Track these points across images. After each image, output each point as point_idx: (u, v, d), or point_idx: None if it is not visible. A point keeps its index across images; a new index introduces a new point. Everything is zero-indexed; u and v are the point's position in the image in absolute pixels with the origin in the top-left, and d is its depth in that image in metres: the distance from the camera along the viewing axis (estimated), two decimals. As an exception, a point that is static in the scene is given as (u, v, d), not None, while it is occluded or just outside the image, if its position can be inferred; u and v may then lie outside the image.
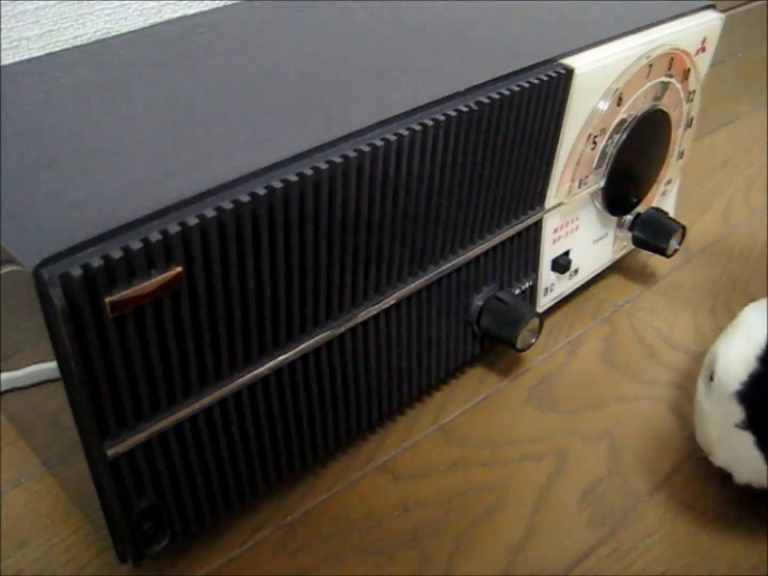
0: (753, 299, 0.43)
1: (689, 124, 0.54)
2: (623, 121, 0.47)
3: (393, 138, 0.35)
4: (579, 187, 0.48)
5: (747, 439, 0.37)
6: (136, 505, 0.34)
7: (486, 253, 0.45)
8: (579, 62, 0.42)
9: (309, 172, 0.32)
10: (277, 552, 0.39)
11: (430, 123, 0.36)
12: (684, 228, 0.54)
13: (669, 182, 0.56)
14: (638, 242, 0.55)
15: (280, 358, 0.36)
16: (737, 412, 0.37)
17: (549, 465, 0.44)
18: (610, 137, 0.47)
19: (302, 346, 0.37)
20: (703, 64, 0.51)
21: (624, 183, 0.50)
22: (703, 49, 0.50)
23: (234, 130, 0.35)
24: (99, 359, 0.29)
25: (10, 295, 0.32)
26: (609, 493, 0.42)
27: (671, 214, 0.57)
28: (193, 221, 0.30)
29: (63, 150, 0.34)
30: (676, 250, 0.54)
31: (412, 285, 0.41)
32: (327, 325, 0.38)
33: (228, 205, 0.30)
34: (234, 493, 0.38)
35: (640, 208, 0.54)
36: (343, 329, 0.38)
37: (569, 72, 0.42)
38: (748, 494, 0.40)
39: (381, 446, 0.45)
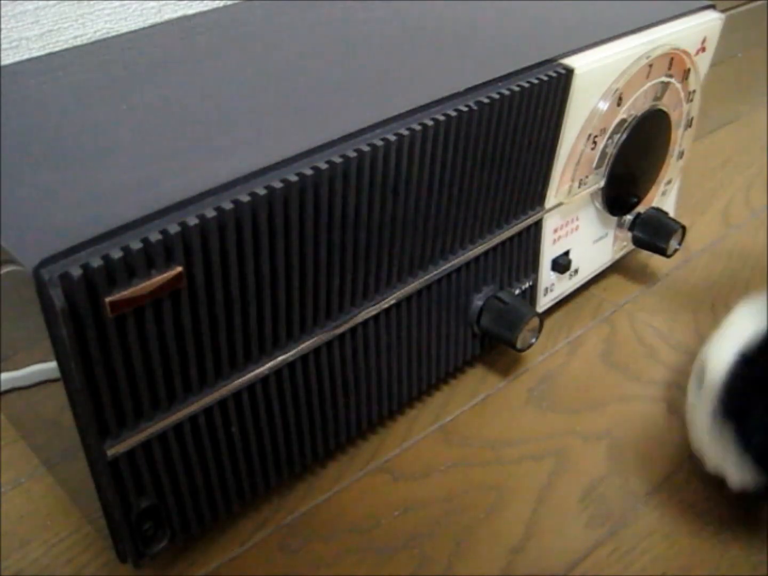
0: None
1: (689, 124, 0.54)
2: (623, 121, 0.47)
3: (393, 138, 0.35)
4: (579, 187, 0.48)
5: (728, 432, 0.37)
6: (136, 505, 0.34)
7: (486, 253, 0.45)
8: (579, 62, 0.42)
9: (309, 172, 0.32)
10: (277, 552, 0.39)
11: (430, 123, 0.36)
12: (684, 228, 0.54)
13: (669, 182, 0.56)
14: (638, 242, 0.55)
15: (280, 358, 0.36)
16: (718, 404, 0.37)
17: (549, 465, 0.44)
18: (610, 137, 0.47)
19: (302, 346, 0.37)
20: (703, 64, 0.51)
21: (624, 183, 0.50)
22: (703, 49, 0.50)
23: (234, 130, 0.35)
24: (99, 359, 0.29)
25: (10, 295, 0.32)
26: (609, 493, 0.42)
27: (671, 214, 0.57)
28: (193, 221, 0.30)
29: (63, 150, 0.34)
30: (676, 250, 0.54)
31: (412, 285, 0.41)
32: (327, 325, 0.38)
33: (228, 205, 0.30)
34: (234, 493, 0.38)
35: (640, 208, 0.54)
36: (343, 329, 0.38)
37: (569, 72, 0.42)
38: (747, 495, 0.40)
39: (381, 446, 0.45)
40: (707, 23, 0.49)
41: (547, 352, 0.51)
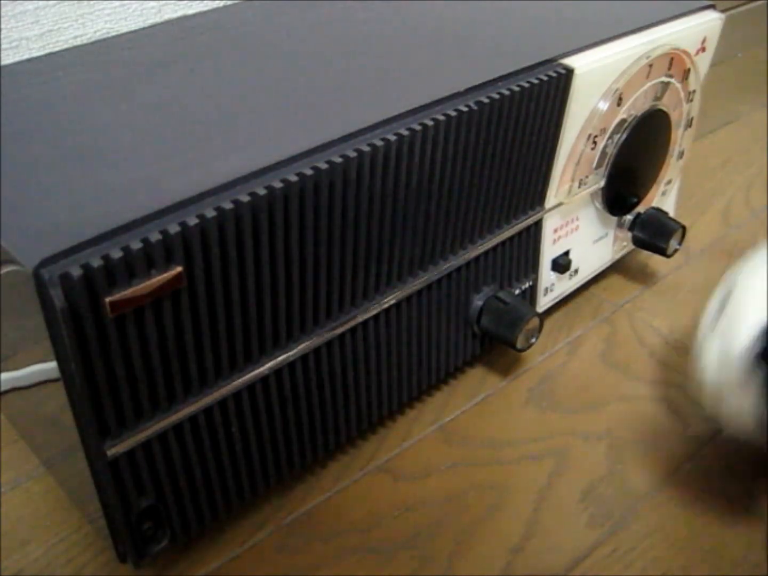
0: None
1: (689, 124, 0.54)
2: (623, 121, 0.47)
3: (393, 138, 0.35)
4: (579, 187, 0.48)
5: (757, 374, 0.34)
6: (136, 505, 0.34)
7: (486, 253, 0.45)
8: (579, 62, 0.42)
9: (309, 172, 0.32)
10: (277, 552, 0.39)
11: (430, 123, 0.36)
12: (684, 228, 0.54)
13: (669, 182, 0.56)
14: (638, 242, 0.55)
15: (280, 358, 0.36)
16: (756, 345, 0.34)
17: (549, 465, 0.44)
18: (610, 137, 0.47)
19: (302, 346, 0.37)
20: (703, 64, 0.51)
21: (624, 183, 0.50)
22: (703, 49, 0.50)
23: (234, 130, 0.35)
24: (99, 359, 0.29)
25: (10, 295, 0.32)
26: (609, 493, 0.42)
27: (671, 214, 0.57)
28: (193, 221, 0.30)
29: (63, 150, 0.34)
30: (676, 250, 0.54)
31: (412, 285, 0.41)
32: (327, 325, 0.38)
33: (228, 205, 0.30)
34: (234, 493, 0.38)
35: (640, 208, 0.54)
36: (343, 329, 0.38)
37: (569, 72, 0.42)
38: (748, 494, 0.40)
39: (381, 446, 0.45)
40: (707, 23, 0.49)
41: (547, 352, 0.51)
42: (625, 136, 0.47)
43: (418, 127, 0.36)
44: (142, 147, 0.34)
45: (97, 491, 0.33)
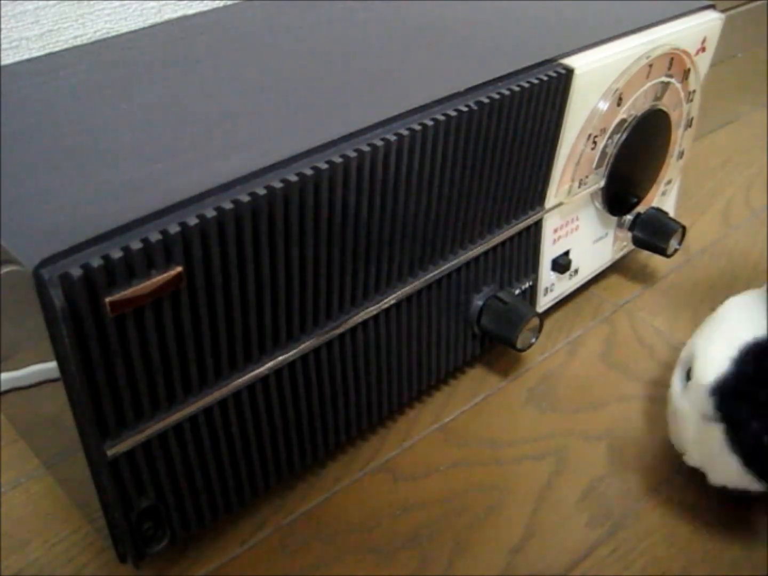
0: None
1: (689, 124, 0.54)
2: (623, 121, 0.47)
3: (393, 138, 0.35)
4: (579, 187, 0.48)
5: (718, 433, 0.37)
6: (136, 505, 0.34)
7: (486, 253, 0.45)
8: (579, 62, 0.42)
9: (309, 172, 0.32)
10: (277, 552, 0.39)
11: (430, 123, 0.36)
12: (684, 228, 0.54)
13: (669, 182, 0.56)
14: (638, 242, 0.55)
15: (280, 358, 0.36)
16: (709, 405, 0.37)
17: (549, 465, 0.44)
18: (610, 137, 0.47)
19: (302, 346, 0.37)
20: (703, 64, 0.51)
21: (624, 183, 0.51)
22: (703, 49, 0.50)
23: (234, 130, 0.35)
24: (99, 359, 0.29)
25: (10, 295, 0.32)
26: (609, 493, 0.42)
27: (671, 214, 0.57)
28: (193, 221, 0.30)
29: (63, 150, 0.34)
30: (676, 250, 0.54)
31: (412, 285, 0.41)
32: (327, 325, 0.38)
33: (228, 205, 0.30)
34: (234, 493, 0.38)
35: (640, 208, 0.54)
36: (342, 329, 0.38)
37: (569, 72, 0.42)
38: (728, 492, 0.40)
39: (381, 446, 0.45)
40: (707, 23, 0.49)
41: (547, 352, 0.51)
42: (625, 136, 0.47)
43: (418, 127, 0.36)
44: (142, 147, 0.34)
45: (97, 491, 0.33)
